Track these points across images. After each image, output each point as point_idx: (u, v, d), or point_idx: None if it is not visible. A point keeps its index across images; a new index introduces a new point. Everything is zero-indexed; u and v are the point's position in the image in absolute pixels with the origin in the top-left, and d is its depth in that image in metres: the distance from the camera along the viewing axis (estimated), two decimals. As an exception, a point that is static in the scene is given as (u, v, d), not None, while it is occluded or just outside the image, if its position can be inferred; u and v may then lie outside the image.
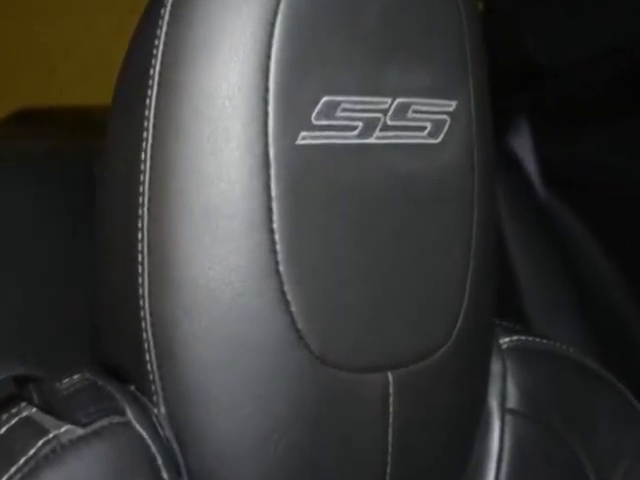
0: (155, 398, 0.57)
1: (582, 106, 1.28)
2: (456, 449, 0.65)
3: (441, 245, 0.61)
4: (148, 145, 0.56)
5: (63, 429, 0.54)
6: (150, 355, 0.56)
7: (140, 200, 0.56)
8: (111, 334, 0.59)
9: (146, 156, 0.56)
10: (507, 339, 0.69)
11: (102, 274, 0.60)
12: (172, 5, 0.56)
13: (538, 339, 0.70)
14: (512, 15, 1.22)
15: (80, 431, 0.54)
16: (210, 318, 0.55)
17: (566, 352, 0.71)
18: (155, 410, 0.57)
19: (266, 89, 0.55)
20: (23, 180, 0.99)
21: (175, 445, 0.56)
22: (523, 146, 1.30)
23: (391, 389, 0.59)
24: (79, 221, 0.94)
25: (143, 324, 0.56)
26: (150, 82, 0.56)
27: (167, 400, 0.56)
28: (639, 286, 1.21)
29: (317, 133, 0.56)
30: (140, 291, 0.56)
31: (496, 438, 0.66)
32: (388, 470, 0.60)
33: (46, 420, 0.55)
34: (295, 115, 0.55)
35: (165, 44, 0.56)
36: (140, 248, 0.56)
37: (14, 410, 0.56)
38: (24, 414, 0.56)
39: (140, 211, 0.56)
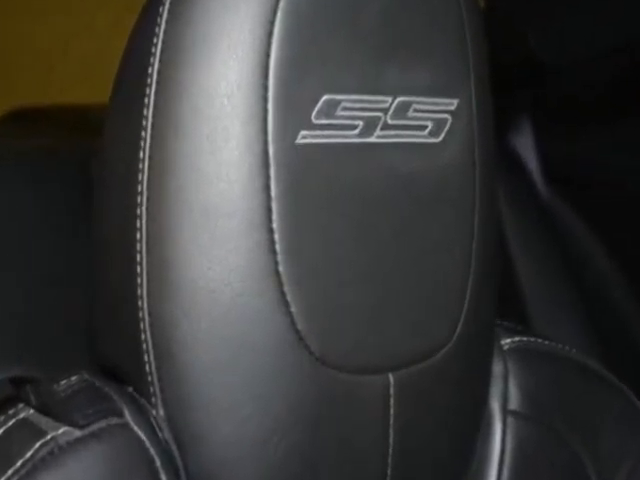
0: (154, 399, 0.56)
1: (583, 105, 1.28)
2: (457, 451, 0.65)
3: (442, 245, 0.61)
4: (146, 144, 0.56)
5: (61, 431, 0.54)
6: (149, 356, 0.56)
7: (138, 199, 0.56)
8: (109, 335, 0.59)
9: (144, 155, 0.56)
10: (509, 340, 0.68)
11: (100, 274, 0.60)
12: (171, 3, 0.56)
13: (540, 340, 0.70)
14: (513, 13, 1.22)
15: (78, 433, 0.54)
16: (209, 319, 0.55)
17: (568, 353, 0.71)
18: (154, 412, 0.56)
19: (265, 88, 0.55)
20: (21, 180, 0.99)
21: (174, 447, 0.56)
22: (525, 145, 1.30)
23: (392, 390, 0.59)
24: (78, 221, 0.94)
25: (142, 325, 0.56)
26: (149, 80, 0.56)
27: (166, 401, 0.56)
28: (640, 285, 1.22)
29: (317, 132, 0.56)
30: (139, 291, 0.56)
31: (497, 440, 0.66)
32: (389, 472, 0.60)
33: (43, 422, 0.55)
34: (295, 114, 0.55)
35: (164, 42, 0.55)
36: (138, 248, 0.56)
37: (11, 412, 0.56)
38: (21, 416, 0.55)
39: (138, 211, 0.56)
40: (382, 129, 0.58)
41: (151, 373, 0.56)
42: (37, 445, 0.53)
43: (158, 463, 0.55)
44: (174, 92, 0.55)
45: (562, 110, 1.29)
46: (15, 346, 0.90)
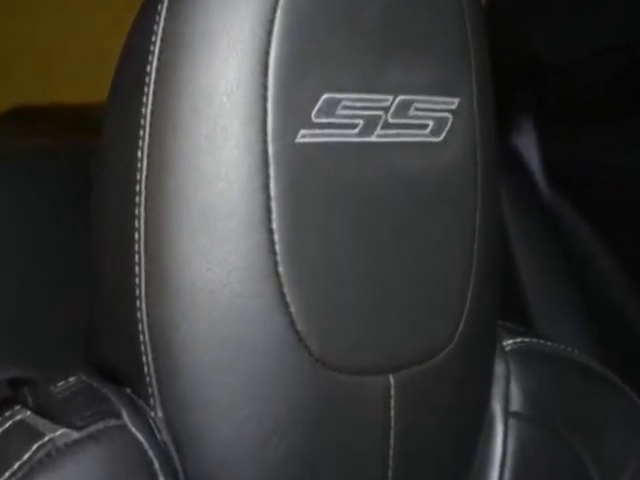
0: (152, 401, 0.56)
1: (583, 105, 1.28)
2: (458, 453, 0.64)
3: (443, 245, 0.60)
4: (145, 143, 0.55)
5: (58, 432, 0.54)
6: (147, 357, 0.56)
7: (137, 199, 0.55)
8: (107, 335, 0.59)
9: (143, 154, 0.55)
10: (511, 341, 0.68)
11: (99, 275, 0.59)
12: (169, 1, 0.55)
13: (542, 341, 0.70)
14: (514, 12, 1.22)
15: (75, 434, 0.54)
16: (209, 320, 0.55)
17: (570, 354, 0.71)
18: (152, 413, 0.56)
19: (265, 86, 0.54)
20: (21, 179, 0.99)
21: (172, 449, 0.56)
22: (526, 144, 1.30)
23: (392, 391, 0.59)
24: (77, 220, 0.93)
25: (140, 326, 0.56)
26: (147, 79, 0.55)
27: (164, 403, 0.56)
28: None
29: (317, 131, 0.56)
30: (137, 292, 0.56)
31: (499, 442, 0.66)
32: (389, 474, 0.60)
33: (41, 423, 0.54)
34: (295, 113, 0.55)
35: (162, 40, 0.55)
36: (137, 248, 0.56)
37: (8, 413, 0.55)
38: (18, 417, 0.55)
39: (137, 211, 0.55)
40: (383, 128, 0.57)
41: (149, 374, 0.56)
42: (34, 447, 0.53)
43: (157, 465, 0.55)
44: (173, 90, 0.55)
45: (562, 110, 1.29)
46: (12, 347, 0.90)
